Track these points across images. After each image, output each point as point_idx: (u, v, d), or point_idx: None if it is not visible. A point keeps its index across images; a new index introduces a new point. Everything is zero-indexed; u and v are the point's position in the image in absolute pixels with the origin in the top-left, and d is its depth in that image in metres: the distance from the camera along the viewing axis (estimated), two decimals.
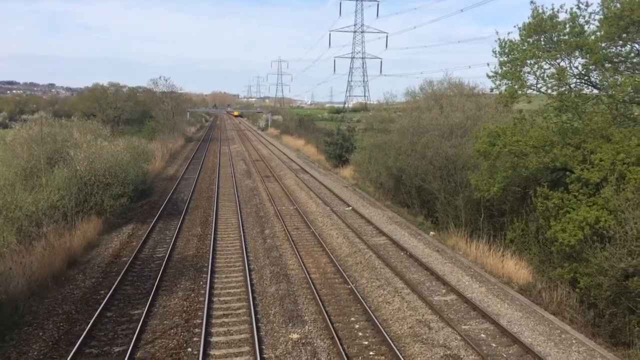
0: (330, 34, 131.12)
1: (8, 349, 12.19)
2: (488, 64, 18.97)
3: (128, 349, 12.11)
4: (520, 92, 17.95)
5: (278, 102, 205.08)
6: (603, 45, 16.75)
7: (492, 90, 19.91)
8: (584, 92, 17.91)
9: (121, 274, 17.03)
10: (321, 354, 12.35)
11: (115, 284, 16.17)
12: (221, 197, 31.61)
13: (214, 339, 13.05)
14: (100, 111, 68.60)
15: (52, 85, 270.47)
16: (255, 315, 14.27)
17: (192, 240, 22.10)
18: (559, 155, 16.47)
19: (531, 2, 18.13)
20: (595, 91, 17.85)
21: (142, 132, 57.94)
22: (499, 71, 18.52)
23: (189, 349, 12.47)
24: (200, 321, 13.85)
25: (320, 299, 15.48)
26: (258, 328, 13.50)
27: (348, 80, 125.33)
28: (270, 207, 28.98)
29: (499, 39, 18.55)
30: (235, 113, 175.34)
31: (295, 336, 13.18)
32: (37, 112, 69.45)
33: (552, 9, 17.56)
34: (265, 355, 12.21)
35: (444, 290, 16.55)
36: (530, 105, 19.07)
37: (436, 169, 24.47)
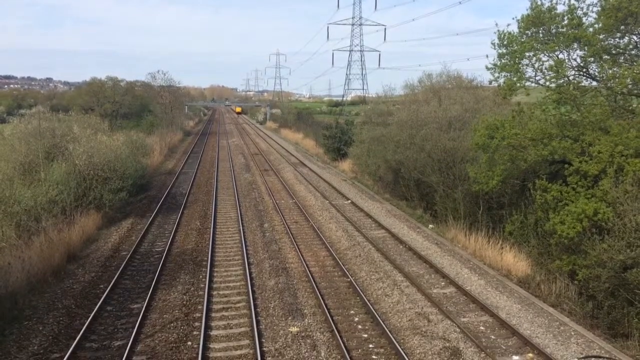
0: (328, 27, 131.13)
1: (8, 343, 12.22)
2: (487, 56, 18.95)
3: (128, 342, 12.15)
4: (518, 84, 17.93)
5: (276, 96, 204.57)
6: (601, 37, 16.73)
7: (490, 82, 19.91)
8: (583, 84, 17.89)
9: (120, 268, 17.05)
10: (321, 346, 12.40)
11: (115, 278, 16.19)
12: (220, 191, 31.61)
13: (213, 332, 13.08)
14: (98, 105, 68.29)
15: (49, 80, 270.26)
16: (255, 308, 14.30)
17: (192, 234, 22.11)
18: (557, 147, 16.47)
19: None
20: (594, 83, 17.84)
21: (141, 126, 57.86)
22: (498, 63, 18.49)
23: (189, 343, 12.51)
24: (200, 315, 13.88)
25: (319, 292, 15.52)
26: (258, 321, 13.54)
27: (346, 74, 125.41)
28: (269, 200, 28.99)
29: (498, 31, 18.52)
30: (238, 109, 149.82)
31: (294, 329, 13.22)
32: (35, 107, 69.37)
33: (551, 1, 17.53)
34: (265, 349, 12.25)
35: (443, 283, 16.59)
36: (529, 97, 19.05)
37: (435, 162, 24.48)
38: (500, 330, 13.39)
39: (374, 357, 12.09)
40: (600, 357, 11.97)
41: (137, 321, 13.26)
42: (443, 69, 56.40)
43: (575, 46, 17.25)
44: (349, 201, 28.67)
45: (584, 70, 17.68)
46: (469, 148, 21.47)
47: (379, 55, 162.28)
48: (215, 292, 15.60)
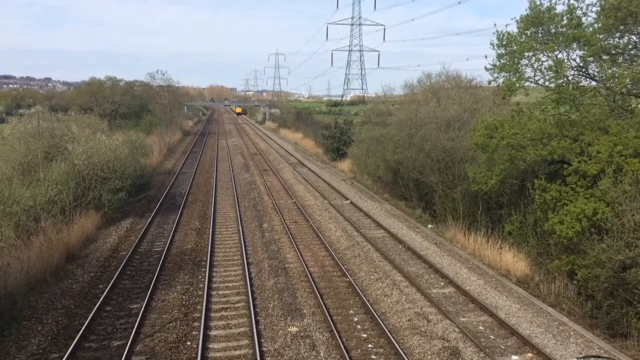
0: (327, 27, 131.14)
1: (7, 343, 12.21)
2: (486, 57, 18.94)
3: (127, 342, 12.14)
4: (518, 84, 17.91)
5: (275, 96, 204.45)
6: (601, 37, 16.71)
7: (489, 82, 19.88)
8: (582, 84, 17.88)
9: (120, 268, 17.04)
10: (320, 346, 12.40)
11: (114, 278, 16.18)
12: (219, 191, 31.60)
13: (213, 332, 13.08)
14: (97, 105, 68.38)
15: (48, 80, 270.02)
16: (254, 308, 14.30)
17: (191, 234, 22.10)
18: (556, 147, 16.47)
19: None
20: (593, 83, 17.83)
21: (140, 126, 57.84)
22: (497, 64, 18.48)
23: (188, 343, 12.51)
24: (199, 315, 13.87)
25: (318, 292, 15.52)
26: (257, 321, 13.54)
27: (345, 74, 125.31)
28: (268, 200, 28.98)
29: (497, 31, 18.50)
30: (238, 110, 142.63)
31: (294, 329, 13.22)
32: (34, 107, 69.27)
33: (550, 1, 17.52)
34: (264, 349, 12.25)
35: (442, 283, 16.59)
36: (528, 97, 19.04)
37: (434, 162, 24.48)
38: (499, 330, 13.40)
39: (373, 357, 12.09)
40: (599, 356, 11.98)
41: (136, 321, 13.26)
42: (442, 69, 56.27)
43: (574, 46, 17.24)
44: (348, 201, 28.67)
45: (583, 70, 17.67)
46: (468, 148, 21.46)
47: (378, 55, 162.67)
48: (214, 292, 15.60)
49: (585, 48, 16.80)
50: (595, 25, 16.75)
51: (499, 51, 18.47)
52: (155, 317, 13.90)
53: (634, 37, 16.63)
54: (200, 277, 16.85)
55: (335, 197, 29.97)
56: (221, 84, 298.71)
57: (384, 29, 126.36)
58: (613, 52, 16.84)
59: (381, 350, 12.36)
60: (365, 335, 13.10)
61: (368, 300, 14.98)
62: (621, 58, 16.93)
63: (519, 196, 19.51)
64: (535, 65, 17.68)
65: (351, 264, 18.45)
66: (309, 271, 17.27)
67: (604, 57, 16.72)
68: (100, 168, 24.86)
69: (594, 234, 14.27)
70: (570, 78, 17.65)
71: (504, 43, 18.35)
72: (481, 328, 13.49)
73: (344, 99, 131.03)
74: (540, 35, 17.88)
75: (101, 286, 15.82)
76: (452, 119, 25.68)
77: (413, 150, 26.42)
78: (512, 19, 18.22)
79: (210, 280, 16.39)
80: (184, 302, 14.86)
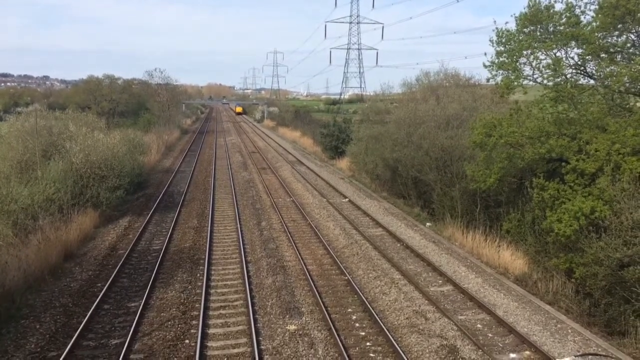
0: (325, 25, 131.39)
1: (5, 342, 12.20)
2: (485, 54, 19.18)
3: (125, 341, 12.13)
4: (516, 82, 17.91)
5: (274, 94, 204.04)
6: (599, 35, 16.72)
7: (488, 80, 19.84)
8: (580, 82, 17.88)
9: (118, 267, 17.03)
10: (318, 344, 12.40)
11: (112, 276, 16.17)
12: (217, 190, 31.57)
13: (211, 330, 13.08)
14: (95, 103, 68.28)
15: (46, 78, 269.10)
16: (252, 307, 14.30)
17: (189, 232, 22.09)
18: (554, 146, 16.48)
19: None
20: (591, 82, 17.83)
21: (138, 124, 57.77)
22: (496, 61, 18.47)
23: (187, 341, 12.51)
24: (197, 313, 13.87)
25: (317, 290, 15.52)
26: (255, 320, 13.54)
27: (344, 72, 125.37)
28: (266, 199, 28.97)
29: (496, 28, 18.49)
30: (238, 109, 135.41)
31: (292, 327, 13.22)
32: (32, 105, 69.15)
33: None
34: (262, 347, 12.25)
35: (440, 281, 16.61)
36: (526, 96, 19.05)
37: (432, 160, 24.48)
38: (497, 328, 13.41)
39: (371, 355, 12.10)
40: (597, 354, 12.01)
41: (134, 319, 13.25)
42: (441, 67, 56.39)
43: (572, 44, 17.24)
44: (347, 199, 28.67)
45: (582, 68, 17.67)
46: (467, 146, 21.47)
47: (377, 53, 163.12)
48: (212, 291, 15.60)
49: (584, 46, 16.80)
50: (594, 24, 16.74)
51: (498, 49, 18.47)
52: (153, 315, 13.89)
53: (632, 36, 16.63)
54: (198, 275, 16.85)
55: (334, 195, 29.97)
56: (220, 82, 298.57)
57: (383, 27, 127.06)
58: (611, 50, 16.84)
59: (379, 348, 12.37)
60: (363, 334, 13.10)
61: (366, 299, 14.98)
62: (619, 56, 16.92)
63: (517, 194, 19.53)
64: (533, 64, 17.69)
65: (349, 262, 18.45)
66: (307, 269, 17.27)
67: (602, 55, 16.72)
68: (98, 166, 24.82)
69: (592, 232, 14.29)
70: (568, 76, 17.65)
71: (503, 41, 18.34)
72: (479, 326, 13.50)
73: (342, 97, 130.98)
74: (538, 33, 17.88)
75: (99, 284, 15.81)
76: (450, 117, 25.68)
77: (411, 148, 26.43)
78: (511, 16, 18.22)
79: (208, 279, 16.38)
80: (182, 301, 14.86)
